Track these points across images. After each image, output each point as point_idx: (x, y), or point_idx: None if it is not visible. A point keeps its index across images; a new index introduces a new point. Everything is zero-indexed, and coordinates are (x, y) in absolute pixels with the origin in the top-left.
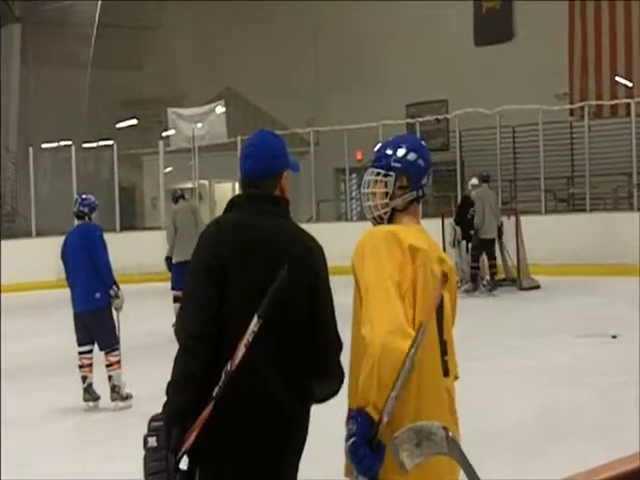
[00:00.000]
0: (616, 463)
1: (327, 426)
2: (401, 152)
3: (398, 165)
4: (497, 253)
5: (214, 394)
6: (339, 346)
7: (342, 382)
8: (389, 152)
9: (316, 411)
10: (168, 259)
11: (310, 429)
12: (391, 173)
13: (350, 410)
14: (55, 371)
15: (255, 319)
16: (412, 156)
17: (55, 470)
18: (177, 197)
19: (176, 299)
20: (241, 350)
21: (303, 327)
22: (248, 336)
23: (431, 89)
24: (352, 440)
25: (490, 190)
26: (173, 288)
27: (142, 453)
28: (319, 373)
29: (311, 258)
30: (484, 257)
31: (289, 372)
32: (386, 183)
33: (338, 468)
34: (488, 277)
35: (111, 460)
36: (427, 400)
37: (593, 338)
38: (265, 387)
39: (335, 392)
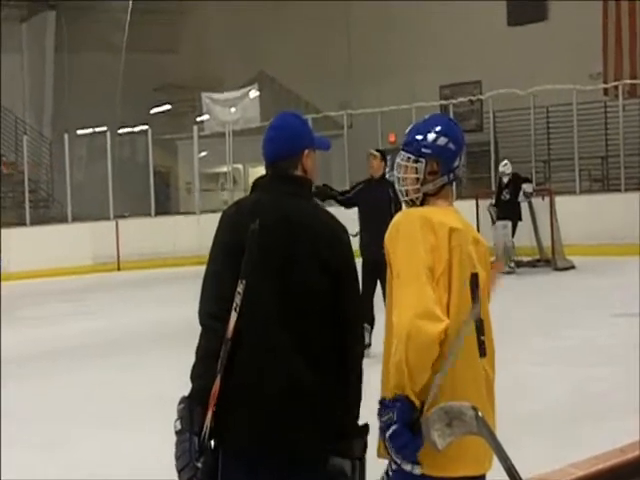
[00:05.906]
0: None
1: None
2: (431, 137)
3: (428, 151)
4: (531, 234)
5: (218, 368)
6: (365, 321)
7: (362, 352)
8: (419, 137)
9: None
10: None
11: None
12: (421, 159)
13: (384, 400)
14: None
15: (239, 281)
16: (442, 140)
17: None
18: None
19: None
20: (233, 316)
21: (320, 305)
22: (236, 299)
23: (464, 70)
24: (393, 429)
25: None
26: None
27: None
28: (343, 347)
29: (328, 235)
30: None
31: (306, 346)
32: (416, 169)
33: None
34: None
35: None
36: (463, 381)
37: (629, 317)
38: (275, 360)
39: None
